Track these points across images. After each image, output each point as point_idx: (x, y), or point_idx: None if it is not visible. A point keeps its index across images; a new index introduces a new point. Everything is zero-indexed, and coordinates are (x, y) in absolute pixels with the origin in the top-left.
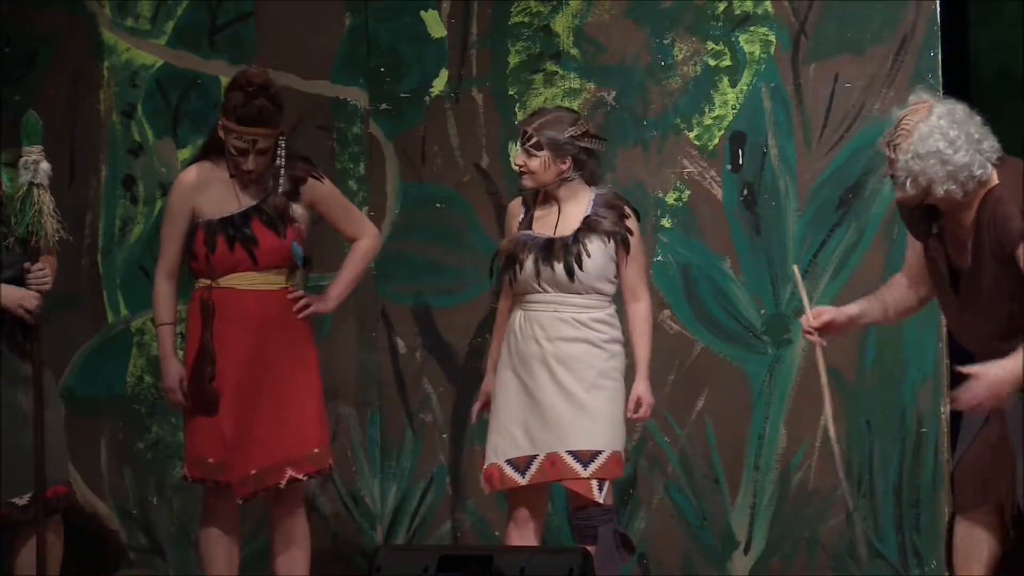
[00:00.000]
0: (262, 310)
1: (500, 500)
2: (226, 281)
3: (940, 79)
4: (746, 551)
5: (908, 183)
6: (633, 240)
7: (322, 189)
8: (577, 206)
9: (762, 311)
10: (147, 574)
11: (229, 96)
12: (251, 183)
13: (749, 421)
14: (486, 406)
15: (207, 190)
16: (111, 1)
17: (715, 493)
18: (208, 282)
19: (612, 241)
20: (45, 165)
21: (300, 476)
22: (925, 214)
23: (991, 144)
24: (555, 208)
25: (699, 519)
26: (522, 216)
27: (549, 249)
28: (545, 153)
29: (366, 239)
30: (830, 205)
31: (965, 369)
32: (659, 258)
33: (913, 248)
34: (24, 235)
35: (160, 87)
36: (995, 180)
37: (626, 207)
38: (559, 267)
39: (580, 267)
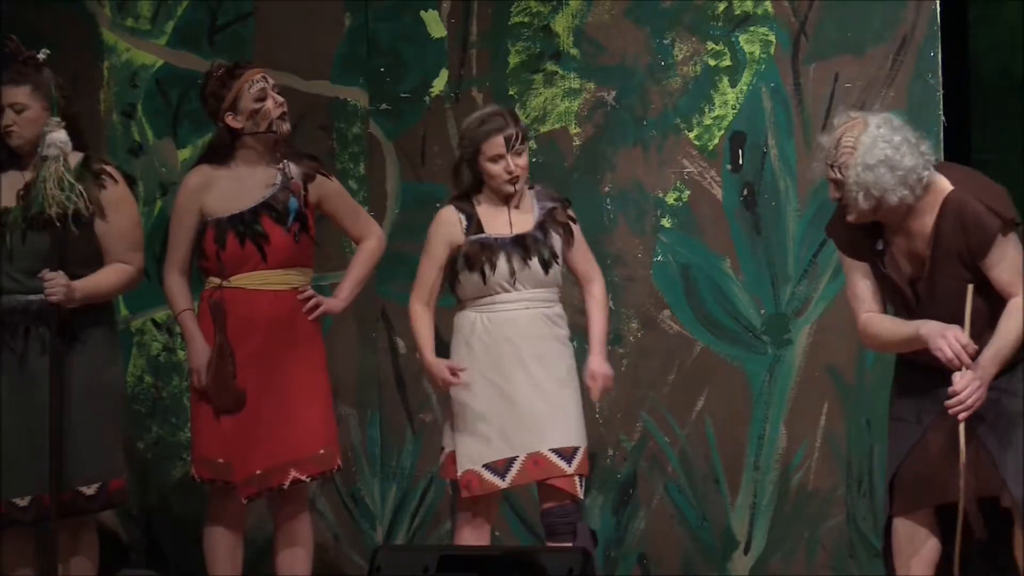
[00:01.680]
0: (271, 311)
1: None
2: (236, 280)
3: (940, 79)
4: (746, 551)
5: (861, 197)
6: (576, 227)
7: (330, 187)
8: (523, 202)
9: (762, 311)
10: (147, 574)
11: (214, 85)
12: (287, 136)
13: (749, 421)
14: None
15: (213, 189)
16: (111, 1)
17: (715, 493)
18: (218, 281)
19: (562, 231)
20: (55, 135)
21: (304, 477)
22: (867, 233)
23: (928, 146)
24: (503, 208)
25: (699, 519)
26: (464, 223)
27: (523, 245)
28: (526, 146)
29: (373, 239)
30: (830, 205)
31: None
32: (659, 258)
33: (863, 279)
34: (39, 210)
35: (160, 87)
36: (947, 185)
37: (563, 197)
38: (534, 262)
39: (557, 260)
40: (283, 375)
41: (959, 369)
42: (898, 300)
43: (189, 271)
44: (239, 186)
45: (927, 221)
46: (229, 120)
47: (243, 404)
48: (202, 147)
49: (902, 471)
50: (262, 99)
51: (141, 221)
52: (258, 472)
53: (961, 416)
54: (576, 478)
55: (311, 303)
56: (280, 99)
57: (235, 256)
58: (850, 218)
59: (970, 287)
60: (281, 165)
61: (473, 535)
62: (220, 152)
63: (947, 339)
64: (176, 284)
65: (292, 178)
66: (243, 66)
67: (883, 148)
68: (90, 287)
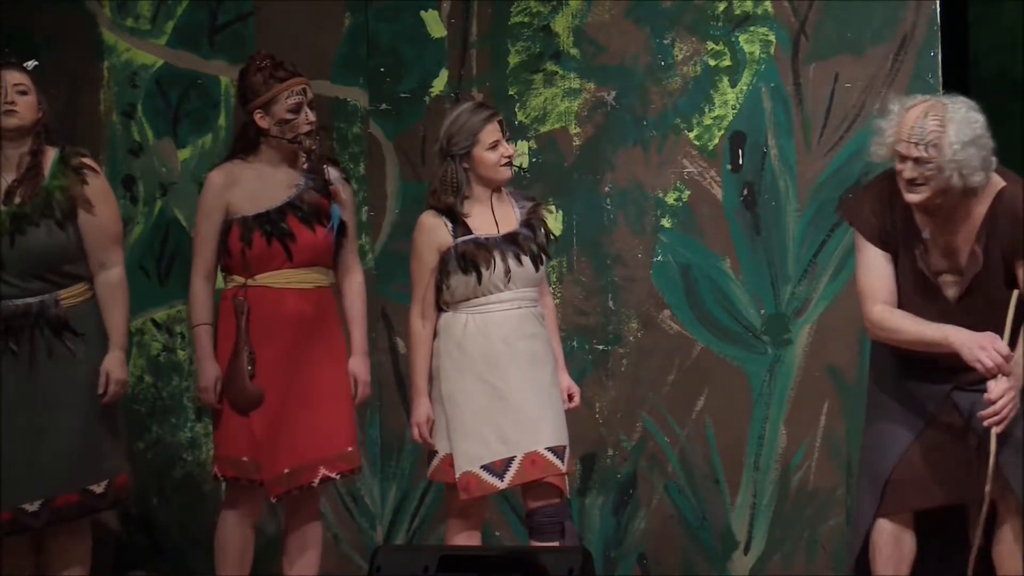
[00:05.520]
0: (297, 309)
1: (499, 500)
2: (261, 279)
3: (940, 79)
4: (746, 551)
5: (955, 176)
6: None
7: (348, 192)
8: (502, 201)
9: (762, 311)
10: (147, 574)
11: (255, 78)
12: (310, 151)
13: (749, 421)
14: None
15: (238, 187)
16: (111, 1)
17: (715, 493)
18: (242, 280)
19: (543, 230)
20: None
21: (333, 475)
22: (895, 222)
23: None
24: (487, 207)
25: (699, 519)
26: (450, 226)
27: (515, 243)
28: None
29: (359, 275)
30: (830, 205)
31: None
32: (659, 258)
33: (879, 270)
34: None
35: (160, 87)
36: (999, 180)
37: (534, 197)
38: (526, 259)
39: (547, 256)
40: (309, 373)
41: (994, 378)
42: (924, 295)
43: (215, 275)
44: (263, 184)
45: (977, 212)
46: (257, 117)
47: (259, 404)
48: (202, 147)
49: (896, 471)
50: (296, 112)
51: (120, 214)
52: (286, 471)
53: (996, 429)
54: (566, 477)
55: (361, 390)
56: (313, 117)
57: (262, 254)
58: (918, 198)
59: (1015, 293)
60: (306, 165)
61: (465, 538)
62: (245, 146)
63: (987, 350)
64: (200, 292)
65: (332, 183)
66: (288, 70)
67: (974, 127)
68: (122, 329)
